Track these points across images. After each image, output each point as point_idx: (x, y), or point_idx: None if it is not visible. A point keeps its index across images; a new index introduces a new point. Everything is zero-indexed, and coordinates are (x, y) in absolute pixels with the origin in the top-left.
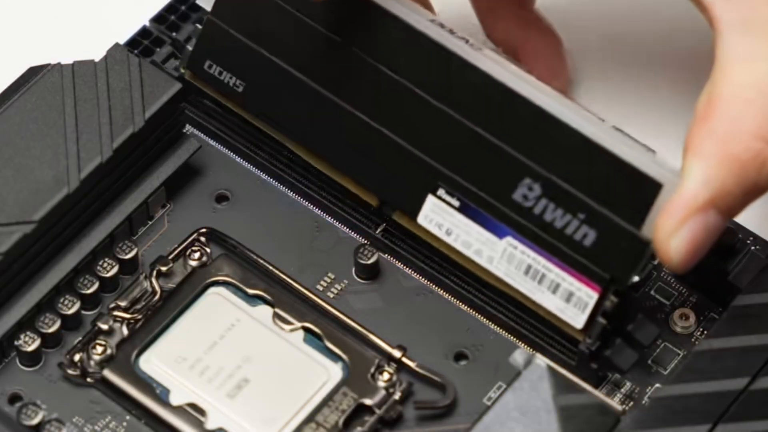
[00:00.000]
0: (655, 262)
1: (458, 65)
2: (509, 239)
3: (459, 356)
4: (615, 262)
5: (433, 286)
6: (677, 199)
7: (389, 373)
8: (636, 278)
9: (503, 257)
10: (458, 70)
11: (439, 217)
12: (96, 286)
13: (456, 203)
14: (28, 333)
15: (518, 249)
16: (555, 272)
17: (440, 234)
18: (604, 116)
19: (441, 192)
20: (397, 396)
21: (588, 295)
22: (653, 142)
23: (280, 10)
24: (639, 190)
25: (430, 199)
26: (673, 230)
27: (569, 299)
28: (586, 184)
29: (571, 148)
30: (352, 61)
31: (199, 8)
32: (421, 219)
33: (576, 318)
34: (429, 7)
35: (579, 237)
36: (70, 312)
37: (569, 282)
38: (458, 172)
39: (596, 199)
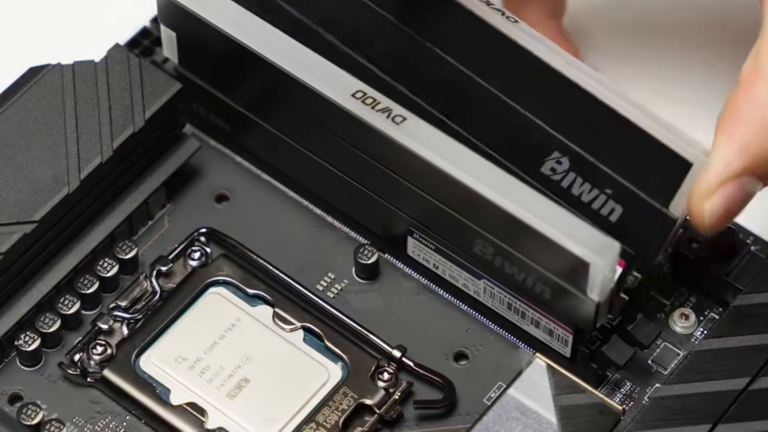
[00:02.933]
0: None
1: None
2: (485, 281)
3: (459, 356)
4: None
5: (433, 286)
6: (714, 163)
7: (389, 373)
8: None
9: (486, 293)
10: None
11: (424, 253)
12: (96, 286)
13: (432, 246)
14: (28, 333)
15: (496, 289)
16: (532, 311)
17: (430, 267)
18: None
19: (417, 236)
20: (397, 396)
21: (565, 334)
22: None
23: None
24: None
25: (410, 240)
26: (708, 195)
27: (551, 334)
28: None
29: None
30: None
31: None
32: (410, 253)
33: (562, 349)
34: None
35: (538, 290)
36: (70, 312)
37: (546, 321)
38: (424, 223)
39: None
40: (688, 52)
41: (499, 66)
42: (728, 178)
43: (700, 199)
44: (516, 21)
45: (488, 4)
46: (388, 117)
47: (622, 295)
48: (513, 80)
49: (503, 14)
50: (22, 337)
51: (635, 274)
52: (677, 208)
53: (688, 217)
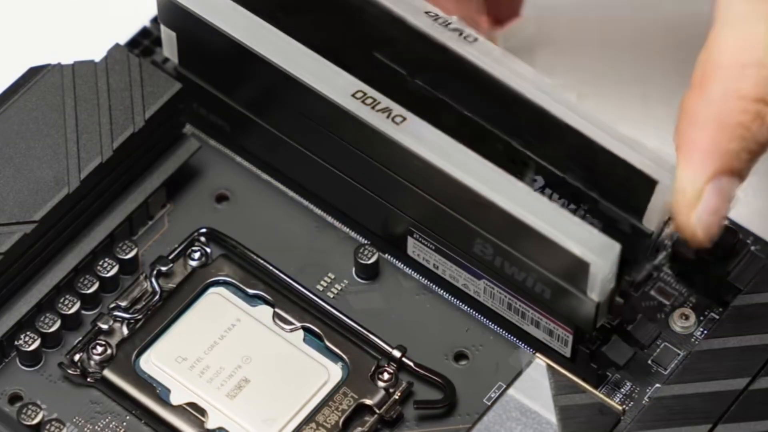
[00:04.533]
0: (655, 262)
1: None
2: (485, 281)
3: (459, 356)
4: (573, 317)
5: (433, 286)
6: (685, 174)
7: (389, 373)
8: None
9: (486, 293)
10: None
11: (424, 253)
12: (96, 286)
13: (432, 246)
14: (28, 333)
15: (496, 289)
16: (532, 312)
17: (430, 267)
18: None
19: (417, 235)
20: (397, 396)
21: (565, 334)
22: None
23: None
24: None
25: (411, 240)
26: (690, 208)
27: (551, 334)
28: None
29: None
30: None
31: None
32: (410, 253)
33: (562, 349)
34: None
35: (538, 290)
36: (70, 312)
37: (546, 321)
38: (424, 223)
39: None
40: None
41: (464, 89)
42: (704, 184)
43: (684, 215)
44: (475, 39)
45: (446, 25)
46: (388, 117)
47: (618, 299)
48: (473, 101)
49: (461, 34)
50: (22, 337)
51: (627, 278)
52: (650, 222)
53: (678, 236)
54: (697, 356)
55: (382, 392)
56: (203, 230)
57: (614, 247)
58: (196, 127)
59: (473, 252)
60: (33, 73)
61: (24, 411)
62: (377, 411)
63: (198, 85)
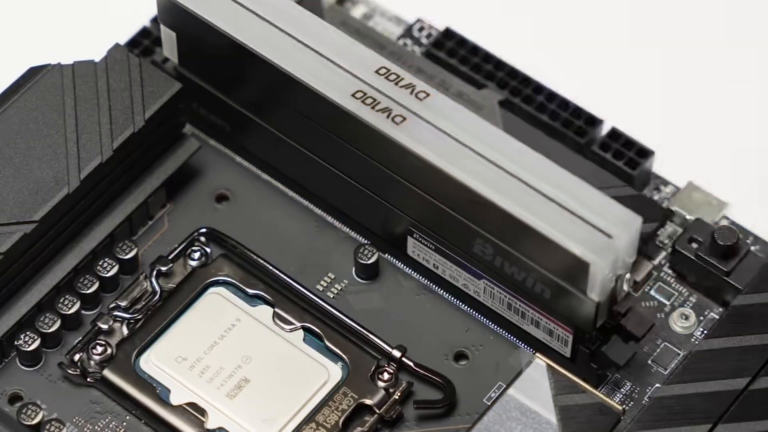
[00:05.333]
0: (655, 262)
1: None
2: (485, 281)
3: (459, 356)
4: (573, 317)
5: (433, 286)
6: None
7: (389, 373)
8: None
9: (486, 293)
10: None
11: (424, 253)
12: (96, 286)
13: (432, 246)
14: (28, 333)
15: (495, 289)
16: (532, 312)
17: (430, 267)
18: None
19: (417, 235)
20: (397, 396)
21: (565, 334)
22: None
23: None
24: (572, 265)
25: (411, 240)
26: None
27: (551, 334)
28: (527, 254)
29: (506, 227)
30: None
31: None
32: (410, 253)
33: (562, 349)
34: None
35: (538, 290)
36: (70, 312)
37: (546, 321)
38: (424, 223)
39: (540, 265)
40: None
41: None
42: None
43: None
44: (427, 95)
45: (397, 82)
46: (388, 117)
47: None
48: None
49: (412, 91)
50: (22, 337)
51: (625, 288)
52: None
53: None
54: (697, 356)
55: (382, 392)
56: (203, 230)
57: (614, 247)
58: (196, 127)
59: (473, 252)
60: (33, 73)
61: (24, 411)
62: (377, 411)
63: (198, 85)
